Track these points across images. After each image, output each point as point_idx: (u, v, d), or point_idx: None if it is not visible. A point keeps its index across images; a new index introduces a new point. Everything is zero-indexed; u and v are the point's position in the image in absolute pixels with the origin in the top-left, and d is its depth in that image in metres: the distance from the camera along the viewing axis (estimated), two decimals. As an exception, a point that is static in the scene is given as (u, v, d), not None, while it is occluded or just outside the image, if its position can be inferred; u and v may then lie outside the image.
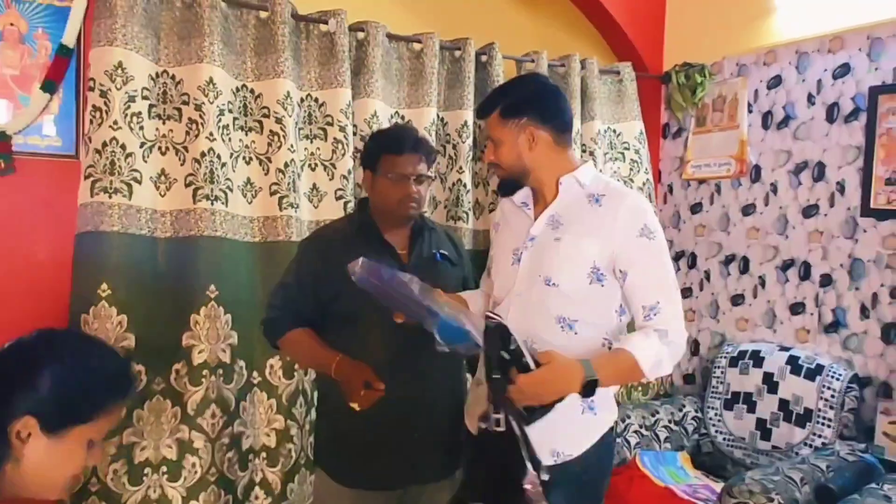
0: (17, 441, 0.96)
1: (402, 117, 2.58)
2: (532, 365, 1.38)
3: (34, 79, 2.08)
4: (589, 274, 1.53)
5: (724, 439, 2.69)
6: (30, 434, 0.96)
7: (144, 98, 2.07)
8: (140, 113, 2.05)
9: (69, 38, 2.09)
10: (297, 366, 2.25)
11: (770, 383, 2.57)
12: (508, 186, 1.69)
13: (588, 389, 1.41)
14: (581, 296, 1.54)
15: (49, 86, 2.08)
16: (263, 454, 2.22)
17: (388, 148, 1.82)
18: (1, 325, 1.88)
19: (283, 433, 2.23)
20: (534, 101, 1.62)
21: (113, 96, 2.00)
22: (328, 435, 1.85)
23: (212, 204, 2.11)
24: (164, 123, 2.12)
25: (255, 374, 2.21)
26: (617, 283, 1.55)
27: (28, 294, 2.07)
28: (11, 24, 2.06)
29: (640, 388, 2.98)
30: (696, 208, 3.08)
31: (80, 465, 1.03)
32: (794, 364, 2.53)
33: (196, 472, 2.09)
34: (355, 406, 1.47)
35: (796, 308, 2.68)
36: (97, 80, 1.99)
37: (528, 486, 1.33)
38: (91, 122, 1.99)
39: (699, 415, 2.81)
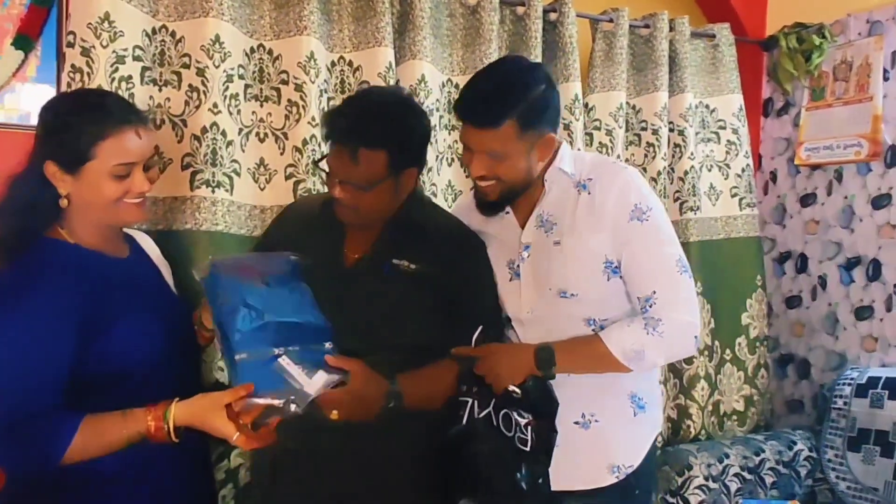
0: (54, 180, 1.20)
1: (456, 85, 2.13)
2: None
3: (6, 33, 1.72)
4: (604, 271, 1.40)
5: (849, 488, 2.16)
6: (56, 173, 1.20)
7: (136, 59, 1.68)
8: (130, 77, 1.67)
9: (47, -16, 1.72)
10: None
11: (914, 421, 2.04)
12: (500, 205, 1.43)
13: (543, 359, 1.34)
14: (606, 296, 1.41)
15: (22, 41, 1.71)
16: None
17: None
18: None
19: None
20: (549, 102, 1.37)
21: (97, 55, 1.62)
22: None
23: (213, 192, 1.71)
24: (159, 91, 1.73)
25: None
26: None
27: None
28: (-23, -34, 1.70)
29: (735, 419, 2.47)
30: (807, 200, 2.54)
31: (113, 191, 1.21)
32: (947, 399, 1.99)
33: None
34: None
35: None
36: (78, 33, 1.61)
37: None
38: (69, 85, 1.61)
39: (814, 455, 2.29)
